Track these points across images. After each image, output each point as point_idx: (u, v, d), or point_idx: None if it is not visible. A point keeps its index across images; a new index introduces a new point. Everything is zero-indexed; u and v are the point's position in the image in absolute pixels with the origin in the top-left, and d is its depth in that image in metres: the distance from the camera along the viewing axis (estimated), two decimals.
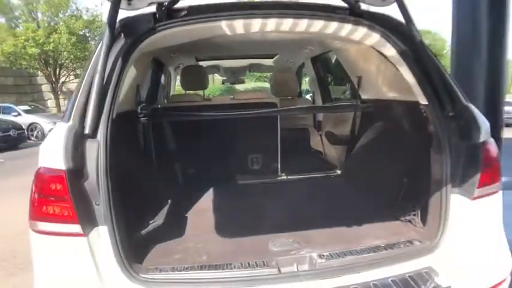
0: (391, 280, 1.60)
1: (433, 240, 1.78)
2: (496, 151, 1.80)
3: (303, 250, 1.80)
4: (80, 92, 1.62)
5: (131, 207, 1.74)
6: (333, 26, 1.97)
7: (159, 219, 1.93)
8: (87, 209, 1.49)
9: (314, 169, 3.40)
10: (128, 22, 1.82)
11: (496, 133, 2.77)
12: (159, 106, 2.93)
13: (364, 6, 2.04)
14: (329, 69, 4.59)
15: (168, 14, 1.84)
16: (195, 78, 3.67)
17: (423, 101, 1.95)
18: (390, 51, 2.00)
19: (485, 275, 1.71)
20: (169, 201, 2.16)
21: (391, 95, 2.58)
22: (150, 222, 1.90)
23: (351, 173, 3.02)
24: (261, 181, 3.14)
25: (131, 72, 2.24)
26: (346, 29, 1.98)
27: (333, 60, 4.46)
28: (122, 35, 1.78)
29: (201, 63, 4.71)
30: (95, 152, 1.52)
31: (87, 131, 1.53)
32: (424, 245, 1.79)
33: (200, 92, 4.26)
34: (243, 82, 6.30)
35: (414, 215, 2.08)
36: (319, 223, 2.15)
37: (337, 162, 3.71)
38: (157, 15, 1.83)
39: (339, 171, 3.32)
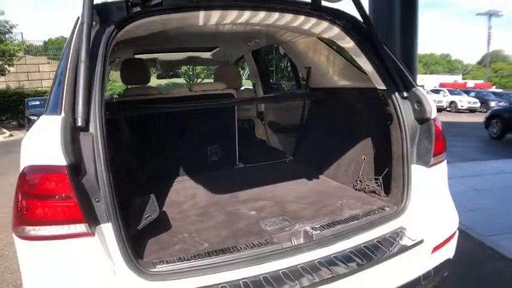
0: (377, 241, 1.83)
1: (400, 205, 2.07)
2: (441, 125, 2.14)
3: (295, 226, 1.94)
4: (66, 82, 1.52)
5: (123, 202, 1.69)
6: (299, 20, 2.14)
7: (152, 213, 1.88)
8: (89, 207, 1.43)
9: (267, 157, 3.57)
10: (101, 8, 1.75)
11: None
12: (114, 100, 2.80)
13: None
14: (270, 61, 4.78)
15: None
16: (137, 72, 3.56)
17: (381, 86, 2.21)
18: (349, 43, 2.22)
19: (443, 228, 2.04)
20: (152, 195, 2.11)
21: (343, 83, 2.85)
22: (145, 216, 1.85)
23: (306, 157, 3.25)
24: (226, 170, 3.22)
25: None
26: (310, 22, 2.16)
27: (273, 53, 4.67)
28: (94, 22, 1.69)
29: (137, 56, 4.54)
30: (90, 145, 1.45)
31: (79, 123, 1.45)
32: (393, 210, 2.07)
33: None
34: (179, 76, 6.15)
35: (378, 186, 2.36)
36: (296, 202, 2.31)
37: (283, 149, 3.95)
38: (130, 3, 1.79)
39: (290, 157, 3.53)
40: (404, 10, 4.90)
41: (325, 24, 2.16)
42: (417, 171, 2.07)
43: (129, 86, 3.36)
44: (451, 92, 25.25)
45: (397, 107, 2.12)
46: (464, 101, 23.83)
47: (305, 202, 2.31)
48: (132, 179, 2.81)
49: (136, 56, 4.50)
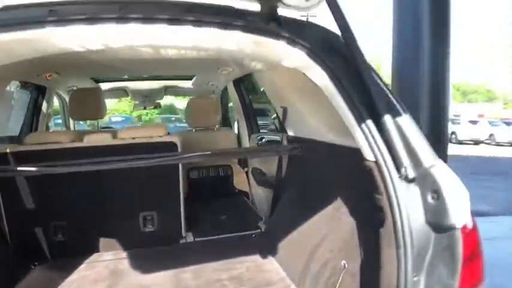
0: None
1: None
2: (479, 238, 1.16)
3: None
4: None
5: None
6: (233, 38, 1.26)
7: None
8: None
9: (233, 224, 2.65)
10: None
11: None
12: (8, 151, 2.01)
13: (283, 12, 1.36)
14: (256, 94, 3.93)
15: None
16: (87, 104, 2.83)
17: (368, 155, 1.26)
18: (320, 77, 1.31)
19: None
20: None
21: (328, 136, 1.90)
22: None
23: (278, 231, 2.26)
24: (165, 247, 2.34)
25: None
26: (255, 42, 1.28)
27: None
28: None
29: (102, 85, 3.84)
30: None
31: None
32: None
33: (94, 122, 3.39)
34: (159, 107, 5.43)
35: None
36: None
37: (266, 209, 3.03)
38: None
39: (262, 226, 2.58)
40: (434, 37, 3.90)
41: (280, 45, 1.27)
42: None
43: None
44: (491, 124, 23.22)
45: (392, 197, 1.16)
46: (505, 133, 21.79)
47: None
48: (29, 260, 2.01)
49: (102, 85, 3.83)
